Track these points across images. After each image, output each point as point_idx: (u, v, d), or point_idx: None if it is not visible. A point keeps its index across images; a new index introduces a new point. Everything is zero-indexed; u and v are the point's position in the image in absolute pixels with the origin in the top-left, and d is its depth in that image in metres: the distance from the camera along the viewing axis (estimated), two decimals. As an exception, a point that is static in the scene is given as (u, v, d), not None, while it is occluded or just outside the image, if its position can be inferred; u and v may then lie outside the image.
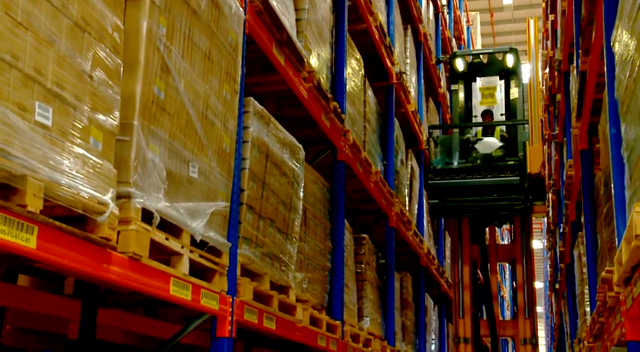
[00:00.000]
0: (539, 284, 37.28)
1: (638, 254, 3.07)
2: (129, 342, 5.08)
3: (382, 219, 8.35)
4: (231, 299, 3.88)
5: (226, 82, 3.89)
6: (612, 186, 3.86)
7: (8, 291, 3.79)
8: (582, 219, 6.25)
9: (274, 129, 4.69)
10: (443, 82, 13.49)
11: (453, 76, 9.44)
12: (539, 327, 11.90)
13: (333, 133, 6.25)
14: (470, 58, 10.00)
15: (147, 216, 3.03)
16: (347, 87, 6.65)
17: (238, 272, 4.04)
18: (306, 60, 5.33)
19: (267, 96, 5.59)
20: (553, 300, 17.76)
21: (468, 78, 9.23)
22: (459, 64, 9.24)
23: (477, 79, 9.87)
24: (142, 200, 2.98)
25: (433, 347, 11.45)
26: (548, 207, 14.76)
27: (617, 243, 3.83)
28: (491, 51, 9.66)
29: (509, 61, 8.98)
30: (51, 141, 2.38)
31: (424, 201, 10.97)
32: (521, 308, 8.64)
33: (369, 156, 7.50)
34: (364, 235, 7.48)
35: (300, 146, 5.19)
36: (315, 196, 5.81)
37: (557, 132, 10.67)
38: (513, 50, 8.91)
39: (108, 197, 2.68)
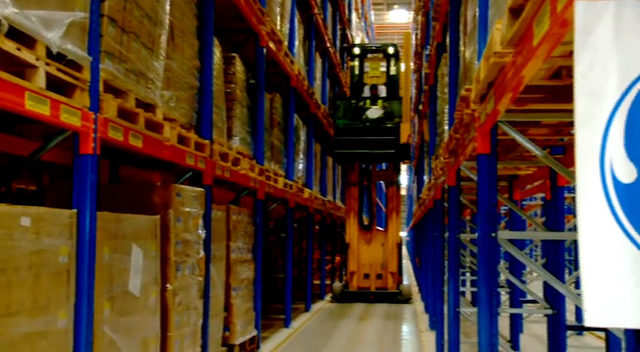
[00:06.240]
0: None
1: (495, 70, 3.21)
2: (-16, 159, 4.88)
3: (252, 37, 8.20)
4: (94, 116, 3.76)
5: None
6: (477, 4, 3.93)
7: None
8: (447, 39, 6.40)
9: None
10: None
11: (352, 57, 13.93)
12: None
13: (201, -56, 5.89)
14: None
15: (-6, 24, 2.80)
16: None
17: (101, 88, 3.89)
18: None
19: None
20: (416, 121, 18.60)
21: (361, 58, 13.72)
22: (356, 50, 14.01)
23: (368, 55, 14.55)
24: (-14, 5, 2.73)
25: (301, 166, 11.85)
26: (417, 29, 16.40)
27: (476, 62, 3.97)
28: (379, 45, 14.68)
29: (390, 49, 13.83)
30: None
31: (296, 21, 10.82)
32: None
33: (239, -30, 7.18)
34: (234, 54, 7.35)
35: (165, -45, 4.87)
36: (182, 11, 5.56)
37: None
38: (394, 45, 14.07)
39: (-54, 0, 2.43)
